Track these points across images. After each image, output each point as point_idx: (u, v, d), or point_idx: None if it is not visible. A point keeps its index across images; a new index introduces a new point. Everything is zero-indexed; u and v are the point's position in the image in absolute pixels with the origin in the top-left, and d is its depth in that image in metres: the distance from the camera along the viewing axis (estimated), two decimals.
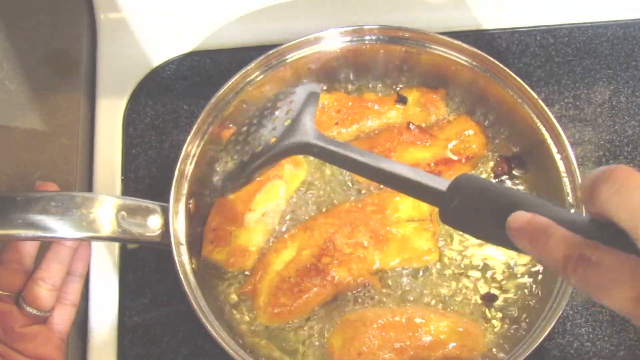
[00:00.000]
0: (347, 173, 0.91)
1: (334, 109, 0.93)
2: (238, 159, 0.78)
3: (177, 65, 1.03)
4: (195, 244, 0.85)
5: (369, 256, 0.84)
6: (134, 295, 0.90)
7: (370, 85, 0.96)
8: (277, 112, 0.79)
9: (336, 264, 0.84)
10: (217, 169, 0.90)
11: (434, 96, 0.93)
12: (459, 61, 0.89)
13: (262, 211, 0.87)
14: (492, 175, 0.92)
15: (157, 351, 0.88)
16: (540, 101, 0.86)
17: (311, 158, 0.88)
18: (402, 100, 0.93)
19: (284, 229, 0.88)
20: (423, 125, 0.92)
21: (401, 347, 0.80)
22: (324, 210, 0.89)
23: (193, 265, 0.81)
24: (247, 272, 0.87)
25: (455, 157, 0.90)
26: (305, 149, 0.73)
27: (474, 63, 0.89)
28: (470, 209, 0.59)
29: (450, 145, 0.91)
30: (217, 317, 0.79)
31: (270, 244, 0.87)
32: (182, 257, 0.79)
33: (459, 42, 0.88)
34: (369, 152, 0.70)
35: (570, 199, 0.83)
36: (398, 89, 0.95)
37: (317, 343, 0.84)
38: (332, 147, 0.71)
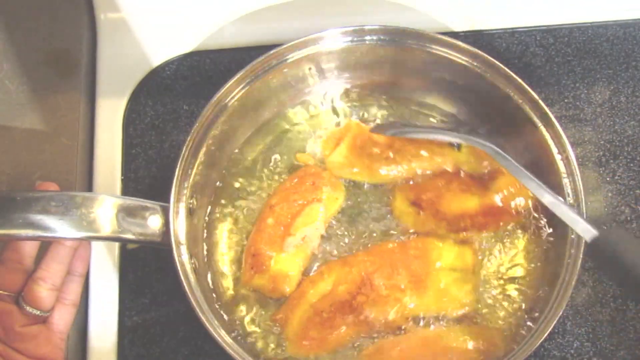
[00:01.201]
0: (385, 200, 0.90)
1: (387, 144, 0.90)
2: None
3: (177, 65, 1.03)
4: (195, 244, 0.85)
5: (405, 300, 0.82)
6: (134, 295, 0.90)
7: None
8: None
9: (371, 304, 0.82)
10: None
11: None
12: (459, 61, 0.89)
13: (301, 235, 0.86)
14: None
15: (157, 351, 0.88)
16: (540, 101, 0.86)
17: (349, 183, 0.90)
18: (457, 144, 0.91)
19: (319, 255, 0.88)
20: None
21: None
22: (364, 236, 0.88)
23: (193, 265, 0.81)
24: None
25: (505, 209, 0.87)
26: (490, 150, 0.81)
27: (474, 63, 0.89)
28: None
29: (500, 196, 0.87)
30: (218, 318, 0.79)
31: (315, 268, 0.86)
32: (182, 257, 0.79)
33: (459, 42, 0.88)
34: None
35: (570, 199, 0.83)
36: None
37: None
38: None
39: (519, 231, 0.88)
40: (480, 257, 0.86)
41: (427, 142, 0.91)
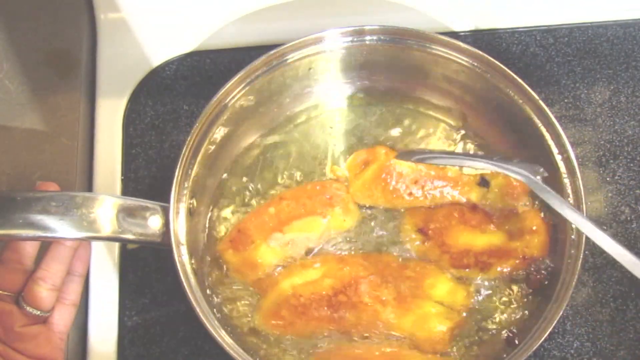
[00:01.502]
0: (391, 230, 0.89)
1: (413, 179, 0.89)
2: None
3: (177, 65, 1.03)
4: (195, 244, 0.85)
5: (382, 314, 0.82)
6: (134, 295, 0.90)
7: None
8: None
9: (349, 306, 0.82)
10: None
11: (519, 190, 0.88)
12: (459, 61, 0.89)
13: (290, 238, 0.86)
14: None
15: (157, 351, 0.88)
16: (540, 101, 0.85)
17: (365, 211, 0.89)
18: (484, 183, 0.89)
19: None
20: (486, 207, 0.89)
21: None
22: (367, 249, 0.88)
23: (193, 265, 0.81)
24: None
25: (512, 254, 0.84)
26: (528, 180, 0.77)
27: (474, 63, 0.89)
28: None
29: (510, 238, 0.85)
30: (217, 316, 0.79)
31: (277, 271, 0.86)
32: (183, 257, 0.79)
33: (459, 42, 0.88)
34: None
35: (571, 200, 0.83)
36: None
37: None
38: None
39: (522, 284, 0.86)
40: (472, 301, 0.85)
41: (454, 179, 0.89)
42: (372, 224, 0.90)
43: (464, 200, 0.89)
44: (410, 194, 0.89)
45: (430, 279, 0.84)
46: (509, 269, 0.84)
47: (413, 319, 0.82)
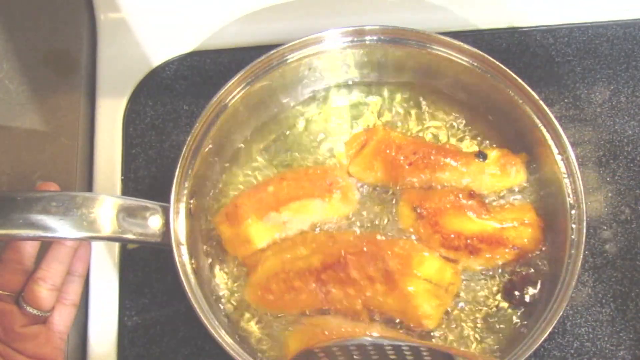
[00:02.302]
0: (386, 209, 0.89)
1: (412, 150, 0.89)
2: None
3: (177, 65, 1.03)
4: (195, 245, 0.85)
5: (370, 291, 0.82)
6: (134, 295, 0.90)
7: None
8: None
9: (337, 282, 0.82)
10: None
11: (515, 159, 0.89)
12: (459, 61, 0.89)
13: (285, 218, 0.86)
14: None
15: (157, 351, 0.88)
16: (540, 101, 0.86)
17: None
18: (482, 155, 0.89)
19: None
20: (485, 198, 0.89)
21: None
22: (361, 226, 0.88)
23: (193, 265, 0.81)
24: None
25: (502, 242, 0.85)
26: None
27: (474, 63, 0.89)
28: None
29: (502, 226, 0.86)
30: (216, 315, 0.79)
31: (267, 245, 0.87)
32: (183, 257, 0.79)
33: (459, 42, 0.88)
34: None
35: (570, 200, 0.83)
36: (478, 144, 0.92)
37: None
38: None
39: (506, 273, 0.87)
40: (462, 281, 0.85)
41: (453, 151, 0.89)
42: (368, 204, 0.90)
43: (461, 182, 0.89)
44: (411, 163, 0.89)
45: (418, 257, 0.84)
46: (498, 256, 0.85)
47: (399, 297, 0.82)
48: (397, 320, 0.83)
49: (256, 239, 0.86)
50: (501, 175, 0.89)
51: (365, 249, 0.83)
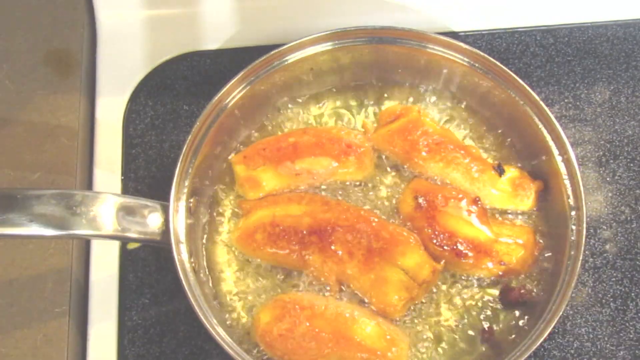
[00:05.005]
0: (391, 192, 0.90)
1: (435, 142, 0.89)
2: None
3: (177, 65, 1.03)
4: (195, 244, 0.85)
5: (346, 265, 0.83)
6: (134, 295, 0.90)
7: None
8: None
9: (316, 249, 0.83)
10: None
11: (529, 184, 0.88)
12: (459, 62, 0.89)
13: (298, 171, 0.88)
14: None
15: (157, 351, 0.88)
16: (540, 101, 0.86)
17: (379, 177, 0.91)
18: (500, 169, 0.88)
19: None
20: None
21: (324, 338, 0.79)
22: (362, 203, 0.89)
23: (193, 264, 0.81)
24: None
25: (491, 255, 0.84)
26: None
27: (474, 63, 0.89)
28: None
29: (495, 239, 0.85)
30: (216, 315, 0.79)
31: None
32: (182, 256, 0.79)
33: (459, 43, 0.88)
34: None
35: (571, 201, 0.83)
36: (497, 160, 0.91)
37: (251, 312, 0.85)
38: None
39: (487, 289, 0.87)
40: (439, 283, 0.85)
41: (474, 156, 0.89)
42: (378, 179, 0.91)
43: (476, 176, 0.88)
44: (430, 150, 0.89)
45: (402, 245, 0.83)
46: (483, 266, 0.84)
47: (373, 279, 0.83)
48: (366, 300, 0.84)
49: (267, 185, 0.88)
50: (511, 194, 0.88)
51: (355, 225, 0.84)
